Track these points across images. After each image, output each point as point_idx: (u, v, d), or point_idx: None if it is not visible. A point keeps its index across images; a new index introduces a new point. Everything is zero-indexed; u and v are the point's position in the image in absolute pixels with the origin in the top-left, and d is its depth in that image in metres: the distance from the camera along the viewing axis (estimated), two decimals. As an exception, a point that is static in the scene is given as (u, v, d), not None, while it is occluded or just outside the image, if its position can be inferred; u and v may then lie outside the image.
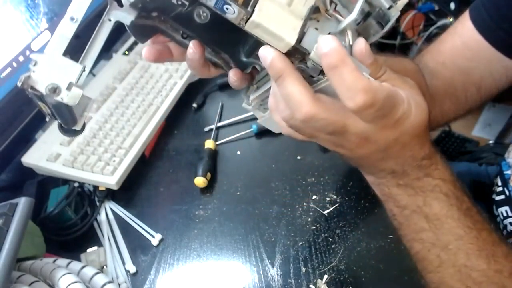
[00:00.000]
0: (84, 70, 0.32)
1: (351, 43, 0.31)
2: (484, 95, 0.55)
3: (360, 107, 0.30)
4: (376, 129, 0.33)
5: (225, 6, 0.29)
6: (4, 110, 0.62)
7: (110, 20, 0.33)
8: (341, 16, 0.32)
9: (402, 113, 0.32)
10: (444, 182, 0.37)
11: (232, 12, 0.29)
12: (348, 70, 0.29)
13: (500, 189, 0.61)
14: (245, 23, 0.30)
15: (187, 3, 0.31)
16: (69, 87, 0.31)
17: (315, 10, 0.31)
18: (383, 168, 0.37)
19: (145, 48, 0.38)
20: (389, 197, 0.39)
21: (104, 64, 0.85)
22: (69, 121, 0.35)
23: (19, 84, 0.31)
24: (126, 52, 0.86)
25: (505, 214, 0.59)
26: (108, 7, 0.33)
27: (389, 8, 0.32)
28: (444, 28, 1.17)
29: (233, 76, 0.37)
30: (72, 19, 0.31)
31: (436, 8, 1.21)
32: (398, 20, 1.41)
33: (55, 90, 0.31)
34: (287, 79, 0.31)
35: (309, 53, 0.31)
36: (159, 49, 0.38)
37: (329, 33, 0.32)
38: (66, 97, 0.31)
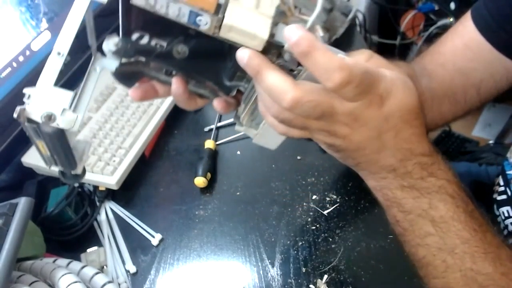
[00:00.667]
0: (75, 96, 0.35)
1: (321, 35, 0.32)
2: (483, 97, 0.54)
3: (338, 84, 0.30)
4: (362, 107, 0.33)
5: (198, 18, 0.31)
6: (4, 110, 0.62)
7: (96, 69, 0.36)
8: (307, 16, 0.33)
9: (383, 89, 0.32)
10: (449, 182, 0.37)
11: (205, 23, 0.31)
12: (320, 53, 0.29)
13: (502, 189, 0.61)
14: (219, 29, 0.31)
15: (164, 44, 0.34)
16: (63, 113, 0.33)
17: (281, 14, 0.32)
18: (382, 164, 0.37)
19: (130, 90, 0.40)
20: (393, 202, 0.38)
21: (104, 64, 0.85)
22: (69, 163, 0.38)
23: (15, 115, 0.33)
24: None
25: (506, 214, 0.59)
26: (93, 58, 0.35)
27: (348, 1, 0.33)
28: (444, 28, 1.17)
29: (218, 105, 0.39)
30: (58, 53, 0.33)
31: (436, 8, 1.21)
32: (398, 20, 1.40)
33: (50, 117, 0.33)
34: (265, 72, 0.32)
35: (283, 46, 0.32)
36: (144, 89, 0.40)
37: None
38: (62, 122, 0.33)
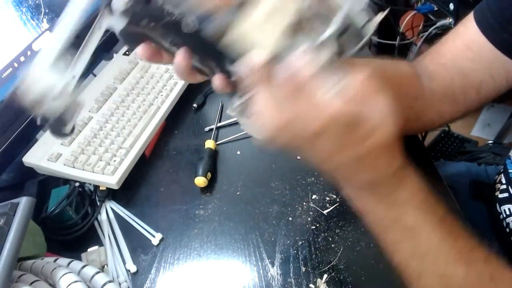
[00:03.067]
0: (73, 78, 0.34)
1: (328, 58, 0.32)
2: (483, 98, 0.55)
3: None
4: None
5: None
6: (5, 110, 0.62)
7: (100, 27, 0.34)
8: (319, 31, 0.32)
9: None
10: (416, 193, 0.38)
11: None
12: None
13: (504, 187, 0.61)
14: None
15: (176, 13, 0.32)
16: (54, 98, 0.33)
17: (294, 27, 0.32)
18: (357, 181, 0.38)
19: (139, 48, 0.38)
20: (367, 211, 0.40)
21: (105, 65, 0.85)
22: (58, 125, 0.36)
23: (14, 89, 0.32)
24: (127, 53, 0.86)
25: (508, 212, 0.59)
26: (99, 15, 0.34)
27: (363, 26, 0.32)
28: (443, 28, 1.17)
29: (217, 82, 0.38)
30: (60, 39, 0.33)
31: (436, 8, 1.22)
32: (397, 20, 1.40)
33: (42, 100, 0.33)
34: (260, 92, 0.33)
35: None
36: (153, 49, 0.39)
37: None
38: (51, 108, 0.33)
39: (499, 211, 0.62)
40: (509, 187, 0.60)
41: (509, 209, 0.59)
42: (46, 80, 0.33)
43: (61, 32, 0.33)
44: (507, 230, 0.60)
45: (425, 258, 0.38)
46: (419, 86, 0.55)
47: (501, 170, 0.63)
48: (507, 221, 0.60)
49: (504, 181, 0.61)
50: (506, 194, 0.60)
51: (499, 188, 0.63)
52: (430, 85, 0.55)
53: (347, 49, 0.33)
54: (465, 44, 0.53)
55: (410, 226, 0.38)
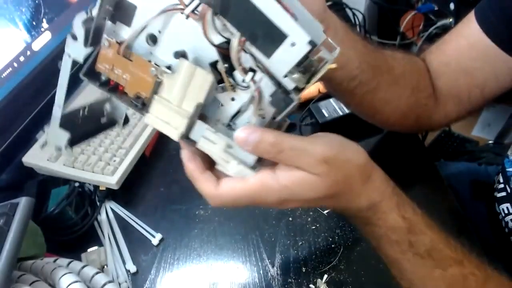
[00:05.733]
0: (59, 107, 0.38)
1: (253, 121, 0.33)
2: (487, 97, 0.55)
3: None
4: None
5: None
6: (5, 110, 0.62)
7: (67, 56, 0.35)
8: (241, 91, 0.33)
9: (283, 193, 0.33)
10: (392, 230, 0.37)
11: (133, 113, 0.34)
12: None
13: (501, 186, 0.61)
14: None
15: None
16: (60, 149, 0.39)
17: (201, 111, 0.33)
18: (333, 209, 0.40)
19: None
20: (357, 227, 0.41)
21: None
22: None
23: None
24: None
25: (506, 211, 0.59)
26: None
27: (289, 93, 0.31)
28: (443, 28, 1.17)
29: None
30: (58, 106, 0.37)
31: (436, 8, 1.21)
32: (398, 20, 1.40)
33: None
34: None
35: (196, 143, 0.33)
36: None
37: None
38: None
39: (498, 211, 0.62)
40: (507, 186, 0.60)
41: (507, 207, 0.59)
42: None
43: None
44: (506, 230, 0.60)
45: (414, 284, 0.38)
46: (431, 84, 0.55)
47: (500, 170, 0.63)
48: (506, 220, 0.60)
49: (502, 180, 0.61)
50: (503, 193, 0.60)
51: (497, 187, 0.63)
52: (434, 83, 0.55)
53: (275, 114, 0.33)
54: (468, 43, 0.53)
55: (391, 257, 0.38)
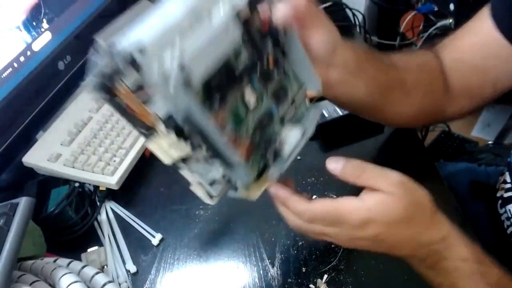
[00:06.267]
0: None
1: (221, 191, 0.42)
2: (499, 92, 0.55)
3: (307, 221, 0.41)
4: (344, 231, 0.39)
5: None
6: (5, 110, 0.62)
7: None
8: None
9: (356, 220, 0.37)
10: (464, 261, 0.38)
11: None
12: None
13: (508, 186, 0.61)
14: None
15: None
16: None
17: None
18: (399, 255, 0.40)
19: None
20: (423, 275, 0.41)
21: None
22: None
23: None
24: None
25: None
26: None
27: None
28: (443, 29, 1.17)
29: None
30: None
31: (436, 9, 1.22)
32: (398, 21, 1.40)
33: None
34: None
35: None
36: None
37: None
38: None
39: (502, 211, 0.61)
40: None
41: None
42: None
43: None
44: (510, 231, 0.60)
45: None
46: (444, 84, 0.55)
47: (504, 170, 0.63)
48: (511, 222, 0.59)
49: (508, 180, 0.61)
50: (511, 193, 0.60)
51: (503, 187, 0.62)
52: (448, 79, 0.55)
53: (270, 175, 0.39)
54: (482, 41, 0.53)
55: None
